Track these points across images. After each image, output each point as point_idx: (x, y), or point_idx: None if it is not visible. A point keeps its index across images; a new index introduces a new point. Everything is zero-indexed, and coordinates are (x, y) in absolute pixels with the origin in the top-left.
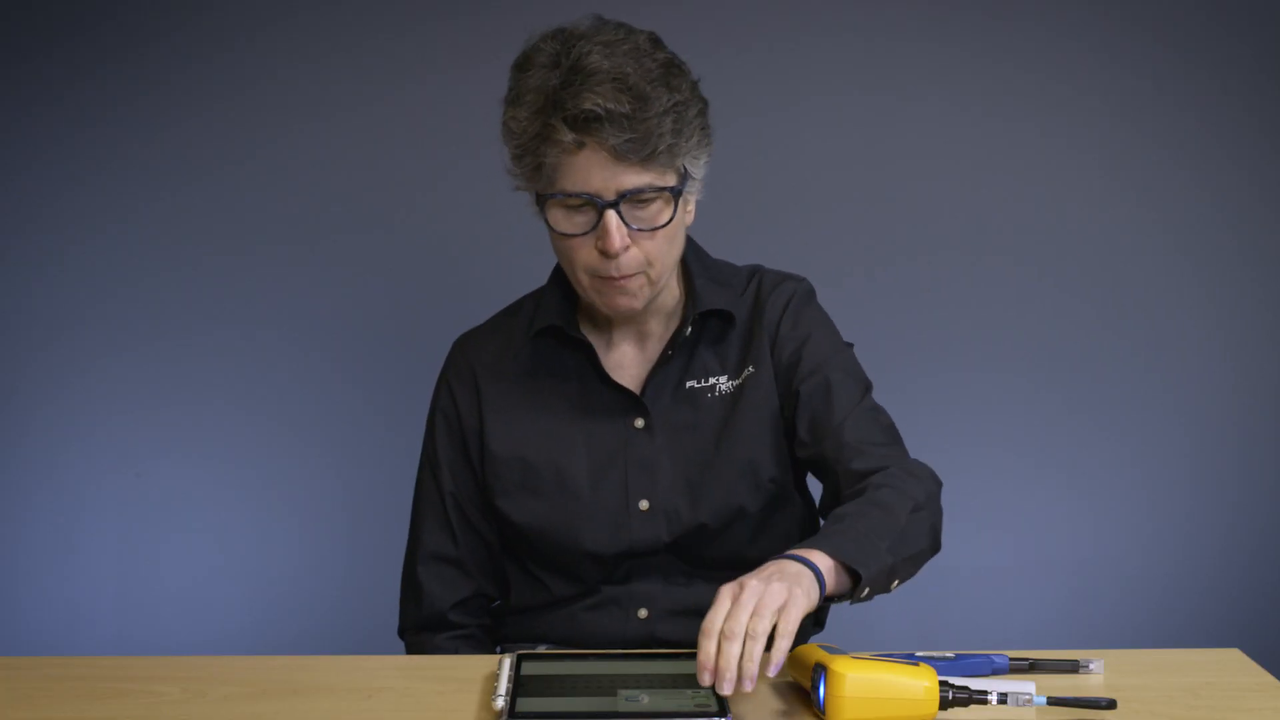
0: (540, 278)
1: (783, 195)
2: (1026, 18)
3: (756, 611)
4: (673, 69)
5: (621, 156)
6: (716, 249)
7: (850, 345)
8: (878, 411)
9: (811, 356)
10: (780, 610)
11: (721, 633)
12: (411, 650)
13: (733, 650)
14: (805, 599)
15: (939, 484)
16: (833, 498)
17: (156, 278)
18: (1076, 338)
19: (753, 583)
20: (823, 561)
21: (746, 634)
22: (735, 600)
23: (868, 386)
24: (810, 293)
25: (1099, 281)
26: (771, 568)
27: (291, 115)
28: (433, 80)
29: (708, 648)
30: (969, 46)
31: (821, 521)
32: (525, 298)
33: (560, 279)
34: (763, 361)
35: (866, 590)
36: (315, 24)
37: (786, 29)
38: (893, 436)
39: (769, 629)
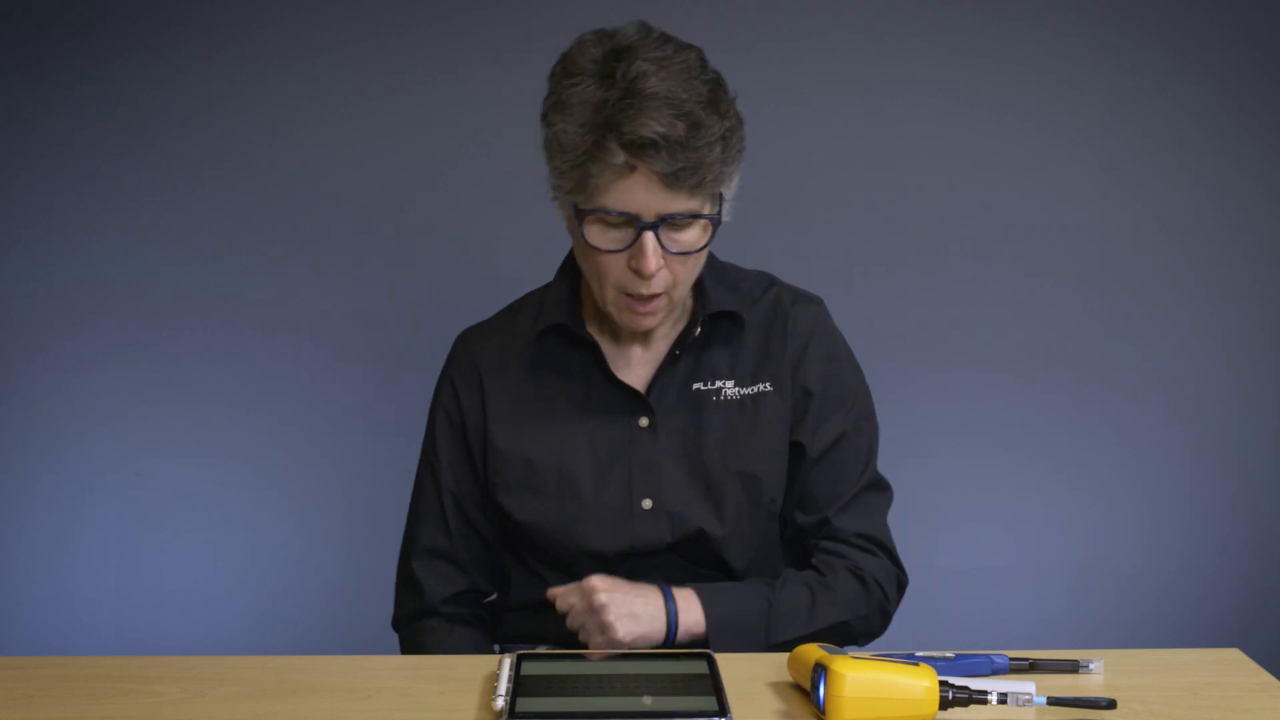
0: (541, 276)
1: (782, 195)
2: (1026, 18)
3: (586, 620)
4: (719, 90)
5: (671, 184)
6: (718, 250)
7: (859, 369)
8: (878, 493)
9: (826, 424)
10: (599, 630)
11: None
12: (405, 641)
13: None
14: (625, 641)
15: (901, 586)
16: (796, 526)
17: (156, 278)
18: (1076, 338)
19: (613, 602)
20: (688, 617)
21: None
22: (588, 605)
23: (870, 452)
24: (829, 319)
25: (1099, 281)
26: (640, 602)
27: (291, 115)
28: (434, 79)
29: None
30: (969, 46)
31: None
32: (529, 295)
33: (566, 276)
34: (782, 383)
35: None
36: (316, 23)
37: (787, 29)
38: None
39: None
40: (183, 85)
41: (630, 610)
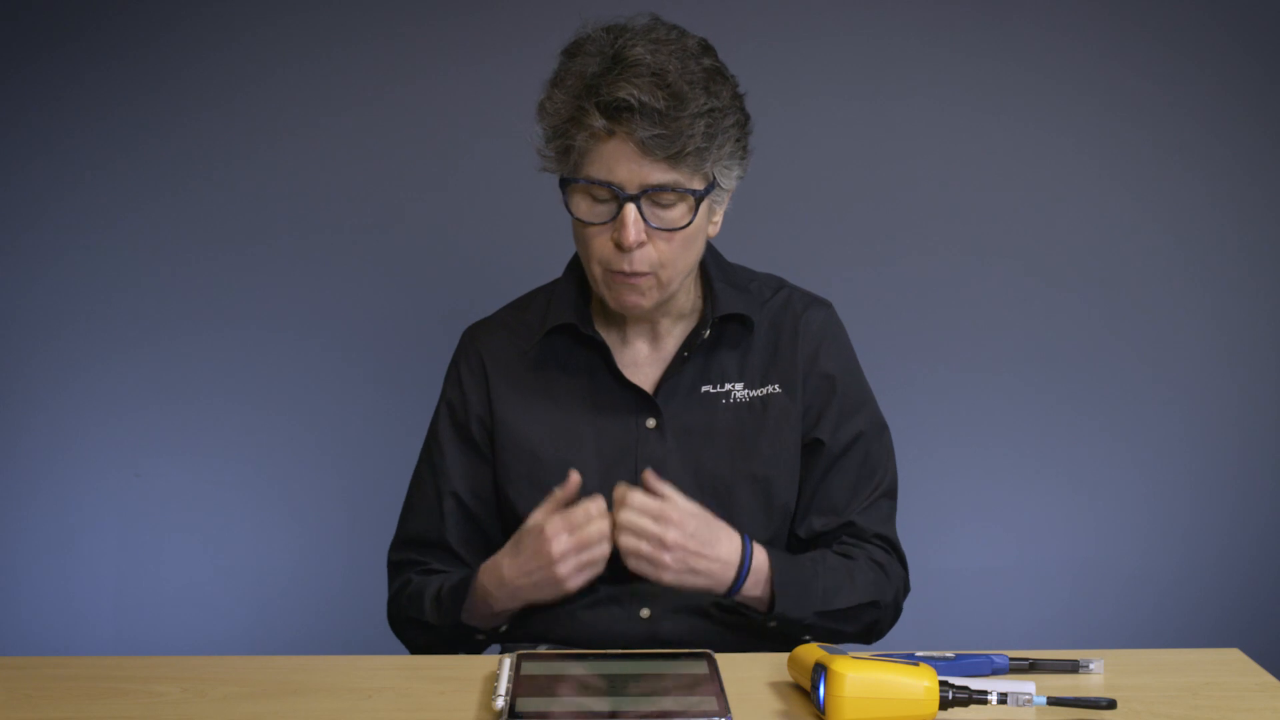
0: (542, 276)
1: (782, 196)
2: (1026, 18)
3: (656, 550)
4: (717, 76)
5: (648, 151)
6: (721, 250)
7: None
8: (892, 502)
9: (846, 422)
10: (650, 563)
11: (630, 524)
12: (400, 610)
13: (625, 541)
14: (687, 587)
15: (906, 589)
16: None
17: (157, 277)
18: (1076, 338)
19: (684, 534)
20: (757, 576)
21: (634, 536)
22: (667, 533)
23: (888, 458)
24: (840, 323)
25: (1099, 281)
26: (704, 562)
27: (291, 114)
28: (436, 78)
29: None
30: (969, 46)
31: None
32: (536, 292)
33: (574, 275)
34: (792, 388)
35: (774, 623)
36: (316, 23)
37: (787, 31)
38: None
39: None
40: (183, 85)
41: (691, 566)
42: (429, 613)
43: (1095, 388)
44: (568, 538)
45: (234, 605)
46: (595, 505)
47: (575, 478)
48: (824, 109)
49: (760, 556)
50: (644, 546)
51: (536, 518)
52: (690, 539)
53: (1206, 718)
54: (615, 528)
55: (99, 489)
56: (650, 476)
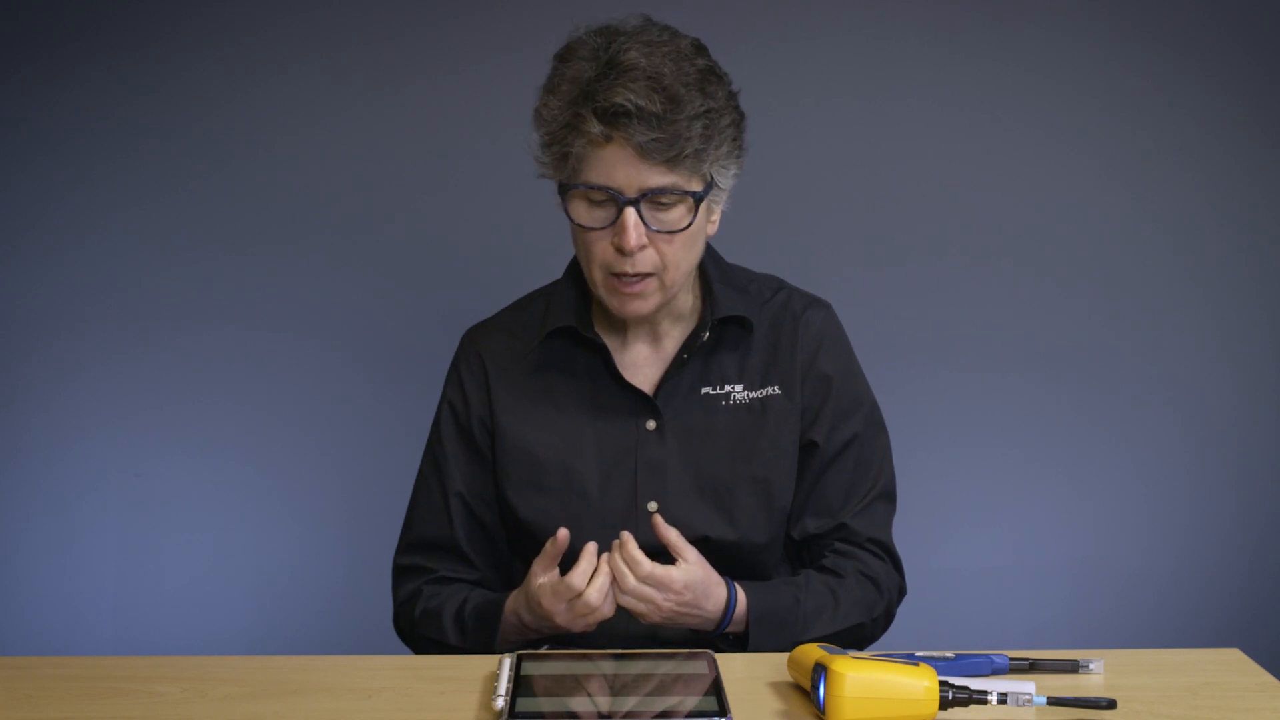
0: (542, 277)
1: (782, 196)
2: (1026, 18)
3: (651, 611)
4: (711, 76)
5: (647, 155)
6: (721, 251)
7: (864, 377)
8: (888, 503)
9: (841, 424)
10: (659, 616)
11: (635, 593)
12: (409, 624)
13: (628, 602)
14: (680, 624)
15: (901, 593)
16: (801, 528)
17: (157, 278)
18: (1076, 338)
19: (680, 601)
20: (736, 613)
21: (640, 600)
22: (663, 600)
23: (884, 460)
24: (840, 324)
25: (1099, 282)
26: (693, 618)
27: (292, 115)
28: (436, 79)
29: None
30: (969, 47)
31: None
32: (536, 294)
33: (574, 277)
34: (792, 389)
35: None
36: (317, 23)
37: (786, 31)
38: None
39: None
40: (183, 86)
41: (678, 621)
42: (451, 635)
43: (1095, 388)
44: (565, 609)
45: (234, 605)
46: (586, 563)
47: (563, 535)
48: (824, 109)
49: (742, 604)
50: (641, 607)
51: (537, 576)
52: (684, 605)
53: (1206, 718)
54: (615, 582)
55: (99, 489)
56: (659, 523)
